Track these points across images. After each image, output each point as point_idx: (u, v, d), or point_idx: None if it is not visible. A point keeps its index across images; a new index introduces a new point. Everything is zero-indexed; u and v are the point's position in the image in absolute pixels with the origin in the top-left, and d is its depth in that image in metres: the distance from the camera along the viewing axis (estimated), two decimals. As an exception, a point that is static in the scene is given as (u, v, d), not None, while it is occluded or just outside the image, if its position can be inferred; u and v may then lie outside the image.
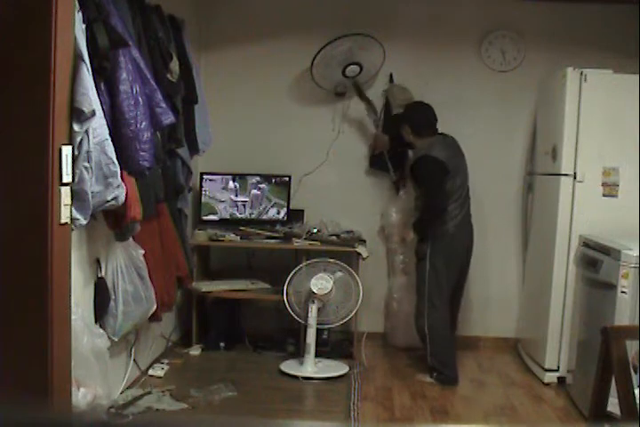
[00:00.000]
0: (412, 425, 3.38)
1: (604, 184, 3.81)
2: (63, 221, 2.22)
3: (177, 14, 3.76)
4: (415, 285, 4.07)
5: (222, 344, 4.33)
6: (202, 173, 4.53)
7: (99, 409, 2.75)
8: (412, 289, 4.56)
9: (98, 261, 3.03)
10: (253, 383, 3.77)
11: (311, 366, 3.94)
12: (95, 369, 2.70)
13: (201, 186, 4.52)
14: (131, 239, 3.14)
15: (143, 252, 3.23)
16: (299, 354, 4.15)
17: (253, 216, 4.57)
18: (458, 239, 3.95)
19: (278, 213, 4.58)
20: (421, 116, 4.03)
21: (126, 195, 2.74)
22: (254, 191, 4.56)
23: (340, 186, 4.70)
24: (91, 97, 2.38)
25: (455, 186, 3.91)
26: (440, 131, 4.05)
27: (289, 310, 4.05)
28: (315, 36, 4.45)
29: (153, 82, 2.97)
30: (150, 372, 3.79)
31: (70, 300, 2.36)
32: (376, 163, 4.62)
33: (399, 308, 4.58)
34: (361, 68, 4.45)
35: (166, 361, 3.98)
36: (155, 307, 3.35)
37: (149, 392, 3.47)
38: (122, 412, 3.17)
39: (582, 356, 3.54)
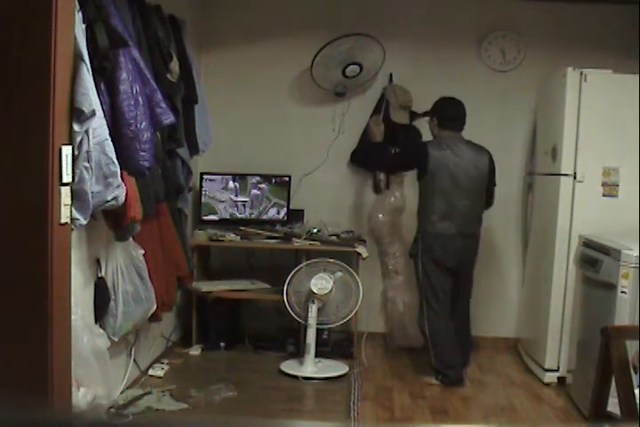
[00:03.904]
0: (412, 425, 3.38)
1: (604, 184, 3.81)
2: (63, 221, 2.22)
3: (177, 14, 3.77)
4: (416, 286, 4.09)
5: (222, 344, 4.34)
6: (202, 173, 4.53)
7: (99, 409, 2.75)
8: (405, 289, 4.58)
9: (98, 261, 3.04)
10: (253, 383, 3.77)
11: (311, 366, 3.94)
12: (95, 369, 2.70)
13: (201, 186, 4.52)
14: (131, 239, 3.14)
15: (143, 252, 3.24)
16: (299, 354, 4.16)
17: (253, 216, 4.57)
18: (447, 241, 3.86)
19: (278, 213, 4.58)
20: (449, 109, 3.98)
21: (126, 195, 2.74)
22: (254, 191, 4.56)
23: (340, 186, 4.70)
24: (91, 97, 2.38)
25: (442, 185, 3.83)
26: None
27: (289, 310, 4.05)
28: (315, 37, 4.45)
29: (153, 82, 2.97)
30: (150, 372, 3.79)
31: (70, 300, 2.36)
32: (357, 159, 4.60)
33: (395, 308, 4.59)
34: (361, 69, 4.45)
35: (166, 361, 3.98)
36: (155, 307, 3.36)
37: (149, 392, 3.47)
38: (122, 412, 3.17)
39: (582, 356, 3.54)
